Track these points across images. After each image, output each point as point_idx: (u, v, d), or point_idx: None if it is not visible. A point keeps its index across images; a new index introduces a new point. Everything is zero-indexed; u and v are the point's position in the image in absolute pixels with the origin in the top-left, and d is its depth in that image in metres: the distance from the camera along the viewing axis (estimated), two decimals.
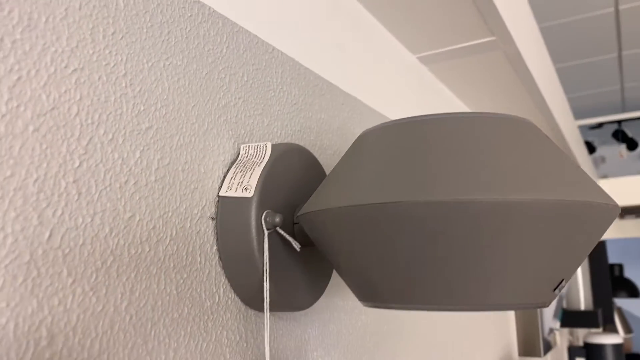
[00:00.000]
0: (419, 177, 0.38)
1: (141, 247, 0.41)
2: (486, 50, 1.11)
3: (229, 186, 0.49)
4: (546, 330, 1.64)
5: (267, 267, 0.47)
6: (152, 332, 0.41)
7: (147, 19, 0.44)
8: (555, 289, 0.40)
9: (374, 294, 0.42)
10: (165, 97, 0.45)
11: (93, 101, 0.38)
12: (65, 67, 0.37)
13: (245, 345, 0.50)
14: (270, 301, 0.50)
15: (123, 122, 0.41)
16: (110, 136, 0.39)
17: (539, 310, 1.56)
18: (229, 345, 0.48)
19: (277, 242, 0.50)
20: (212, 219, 0.48)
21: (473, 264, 0.38)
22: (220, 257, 0.49)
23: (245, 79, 0.55)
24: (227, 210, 0.48)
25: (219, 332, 0.47)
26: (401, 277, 0.40)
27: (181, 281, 0.44)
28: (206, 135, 0.49)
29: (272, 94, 0.59)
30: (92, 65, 0.39)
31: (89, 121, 0.38)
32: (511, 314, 1.60)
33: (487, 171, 0.38)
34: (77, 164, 0.37)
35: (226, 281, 0.49)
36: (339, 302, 0.67)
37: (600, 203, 0.40)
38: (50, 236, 0.34)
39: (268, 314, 0.47)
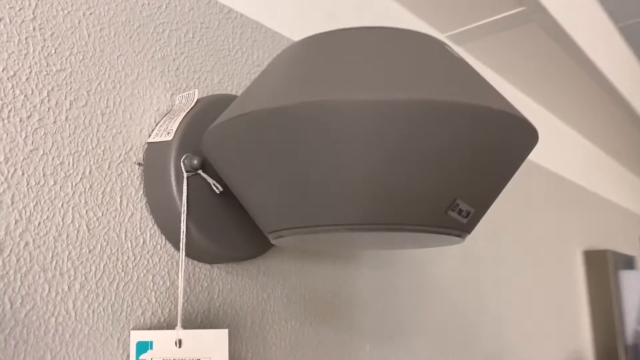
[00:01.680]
0: (304, 83, 0.36)
1: (44, 179, 0.43)
2: (519, 23, 1.04)
3: (156, 133, 0.50)
4: (629, 332, 1.47)
5: (184, 208, 0.47)
6: (54, 262, 0.42)
7: None
8: (448, 211, 0.36)
9: (269, 218, 0.40)
10: (83, 44, 0.47)
11: None
12: None
13: (173, 290, 0.50)
14: (201, 250, 0.49)
15: (28, 62, 0.43)
16: (11, 73, 0.42)
17: (617, 309, 1.41)
18: (155, 290, 0.48)
19: (205, 188, 0.49)
20: (139, 164, 0.49)
21: (351, 171, 0.35)
22: (147, 203, 0.49)
23: (191, 36, 0.56)
24: (152, 156, 0.49)
25: (142, 274, 0.48)
26: (288, 193, 0.38)
27: (94, 219, 0.45)
28: (135, 84, 0.50)
29: (227, 52, 0.59)
30: None
31: None
32: (583, 315, 1.45)
33: (374, 75, 0.35)
34: None
35: (155, 227, 0.50)
36: (314, 267, 0.65)
37: (501, 111, 0.35)
38: None
39: (183, 255, 0.46)
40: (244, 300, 0.56)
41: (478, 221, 0.41)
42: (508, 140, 0.37)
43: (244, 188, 0.41)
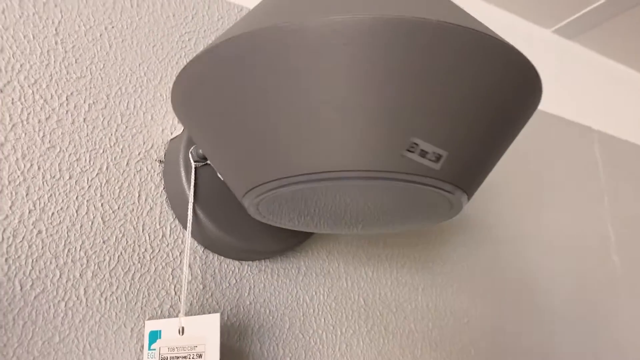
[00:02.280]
0: (280, 11, 0.34)
1: (60, 174, 0.46)
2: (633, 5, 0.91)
3: (177, 130, 0.51)
4: None
5: (191, 196, 0.47)
6: (66, 250, 0.44)
7: None
8: (407, 151, 0.31)
9: (241, 177, 0.38)
10: (105, 53, 0.51)
11: (16, 53, 0.46)
12: None
13: (201, 287, 0.50)
14: (214, 239, 0.49)
15: (49, 71, 0.48)
16: (32, 81, 0.47)
17: None
18: (175, 282, 0.49)
19: (218, 180, 0.49)
20: (160, 161, 0.51)
21: (297, 103, 0.32)
22: (167, 198, 0.50)
23: None
24: (170, 152, 0.50)
25: (160, 267, 0.48)
26: (260, 140, 0.35)
27: (110, 211, 0.47)
28: (157, 88, 0.53)
29: None
30: (18, 26, 0.47)
31: (9, 68, 0.46)
32: None
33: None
34: None
35: (177, 222, 0.50)
36: (373, 272, 0.60)
37: (471, 30, 0.30)
38: None
39: (189, 240, 0.46)
40: (280, 300, 0.53)
41: (473, 173, 0.35)
42: (490, 74, 0.31)
43: (213, 143, 0.37)
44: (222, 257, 0.51)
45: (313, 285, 0.56)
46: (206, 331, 0.42)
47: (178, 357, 0.42)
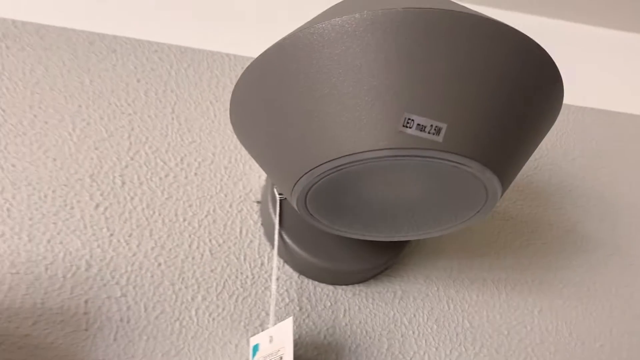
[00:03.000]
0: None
1: (175, 218, 0.56)
2: None
3: None
4: None
5: (277, 222, 0.53)
6: (180, 279, 0.53)
7: (195, 78, 0.64)
8: (403, 126, 0.34)
9: (284, 173, 0.42)
10: (210, 122, 0.62)
11: (142, 129, 0.60)
12: (122, 112, 0.60)
13: (298, 309, 0.55)
14: (300, 261, 0.54)
15: (167, 140, 0.60)
16: (154, 149, 0.59)
17: None
18: (274, 305, 0.54)
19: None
20: (257, 202, 0.59)
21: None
22: (264, 232, 0.57)
23: None
24: (263, 193, 0.58)
25: (260, 291, 0.55)
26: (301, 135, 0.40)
27: (217, 246, 0.56)
28: None
29: None
30: (143, 110, 0.61)
31: (137, 141, 0.59)
32: None
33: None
34: (124, 165, 0.57)
35: (274, 252, 0.57)
36: (478, 295, 0.60)
37: (489, 20, 0.34)
38: (97, 206, 0.55)
39: (275, 259, 0.52)
40: (376, 322, 0.56)
41: (493, 150, 0.36)
42: (498, 55, 0.34)
43: (263, 144, 0.42)
44: (317, 282, 0.56)
45: (411, 308, 0.57)
46: (285, 335, 0.46)
47: None
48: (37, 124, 0.57)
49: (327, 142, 0.36)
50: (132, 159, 0.58)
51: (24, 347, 0.47)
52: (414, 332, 0.56)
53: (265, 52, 0.38)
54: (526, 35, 0.36)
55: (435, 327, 0.57)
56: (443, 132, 0.34)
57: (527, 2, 0.84)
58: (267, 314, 0.54)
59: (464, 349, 0.56)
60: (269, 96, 0.39)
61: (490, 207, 0.40)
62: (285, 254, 0.55)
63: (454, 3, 0.38)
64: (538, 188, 0.69)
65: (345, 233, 0.47)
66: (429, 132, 0.34)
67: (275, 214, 0.54)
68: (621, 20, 0.87)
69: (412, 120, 0.34)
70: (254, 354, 0.50)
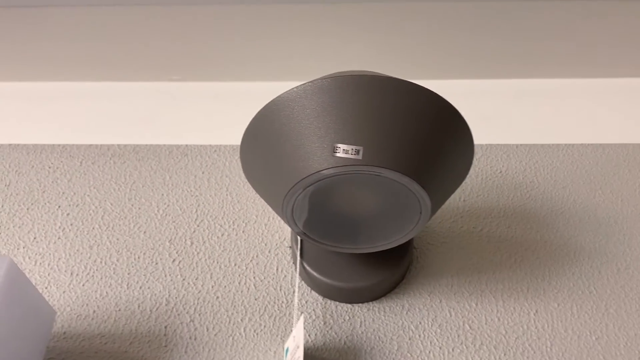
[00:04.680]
0: None
1: (229, 263, 0.75)
2: None
3: None
4: None
5: (298, 257, 0.71)
6: (233, 306, 0.71)
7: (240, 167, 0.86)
8: (333, 152, 0.52)
9: (277, 191, 0.61)
10: (253, 194, 0.83)
11: (205, 205, 0.81)
12: (191, 195, 0.83)
13: (322, 324, 0.70)
14: (319, 283, 0.70)
15: (223, 210, 0.81)
16: (214, 217, 0.80)
17: None
18: (304, 322, 0.70)
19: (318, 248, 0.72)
20: (289, 247, 0.77)
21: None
22: (295, 269, 0.75)
23: None
24: (291, 237, 0.76)
25: (292, 312, 0.71)
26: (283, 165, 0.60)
27: (259, 281, 0.74)
28: None
29: None
30: (206, 192, 0.83)
31: (202, 213, 0.80)
32: None
33: None
34: (192, 230, 0.78)
35: (303, 283, 0.73)
36: (477, 304, 0.71)
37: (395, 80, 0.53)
38: (173, 260, 0.75)
39: (297, 280, 0.68)
40: (387, 329, 0.69)
41: (398, 156, 0.52)
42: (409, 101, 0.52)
43: (260, 176, 0.61)
44: (337, 302, 0.71)
45: (417, 317, 0.70)
46: (299, 332, 0.61)
47: (293, 357, 0.62)
48: (133, 210, 0.81)
49: (296, 169, 0.55)
50: (198, 225, 0.79)
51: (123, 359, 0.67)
52: (420, 336, 0.68)
53: (255, 116, 0.58)
54: (422, 87, 0.53)
55: (439, 330, 0.69)
56: (361, 152, 0.52)
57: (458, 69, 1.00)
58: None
59: (465, 347, 0.67)
60: (260, 147, 0.59)
61: (427, 213, 0.55)
62: (310, 282, 0.71)
63: (380, 74, 0.56)
64: (531, 213, 0.80)
65: (328, 246, 0.63)
66: (351, 153, 0.52)
67: (297, 248, 0.71)
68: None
69: (339, 147, 0.52)
70: (286, 355, 0.65)
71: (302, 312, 0.69)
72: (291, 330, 0.69)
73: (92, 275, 0.74)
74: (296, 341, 0.62)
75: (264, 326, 0.69)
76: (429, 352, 0.67)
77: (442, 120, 0.55)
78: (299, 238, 0.72)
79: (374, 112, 0.53)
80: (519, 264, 0.75)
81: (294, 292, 0.72)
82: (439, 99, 0.54)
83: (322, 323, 0.69)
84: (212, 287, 0.73)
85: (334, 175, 0.52)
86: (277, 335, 0.68)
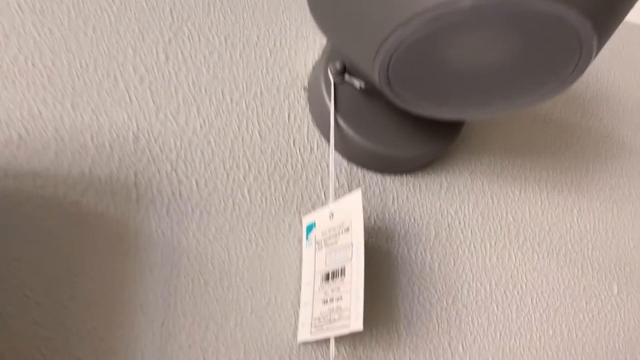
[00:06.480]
0: None
1: (222, 97, 0.54)
2: None
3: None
4: None
5: (332, 105, 0.51)
6: (231, 158, 0.51)
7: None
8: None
9: (370, 34, 0.42)
10: (254, 3, 0.59)
11: (184, 6, 0.56)
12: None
13: (346, 193, 0.54)
14: (355, 146, 0.52)
15: (210, 18, 0.56)
16: (197, 26, 0.56)
17: None
18: (324, 189, 0.53)
19: (356, 95, 0.53)
20: (304, 89, 0.57)
21: None
22: (312, 119, 0.56)
23: None
24: (312, 77, 0.56)
25: (311, 175, 0.53)
26: None
27: (265, 129, 0.54)
28: (299, 28, 0.59)
29: None
30: None
31: (179, 17, 0.55)
32: None
33: None
34: (167, 40, 0.54)
35: (323, 139, 0.55)
36: (521, 193, 0.60)
37: None
38: (141, 79, 0.52)
39: (333, 144, 0.50)
40: (424, 211, 0.55)
41: None
42: None
43: (339, 15, 0.41)
44: (365, 170, 0.55)
45: (457, 200, 0.57)
46: (351, 208, 0.45)
47: (330, 238, 0.46)
48: None
49: None
50: (175, 34, 0.54)
51: (74, 215, 0.45)
52: (460, 223, 0.56)
53: None
54: None
55: (480, 219, 0.57)
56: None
57: None
58: (319, 198, 0.52)
59: (507, 242, 0.57)
60: None
61: (587, 60, 0.39)
62: (336, 138, 0.54)
63: None
64: (575, 94, 0.68)
65: (423, 109, 0.45)
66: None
67: (330, 98, 0.52)
68: None
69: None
70: (308, 232, 0.49)
71: (338, 192, 0.52)
72: (317, 203, 0.52)
73: (14, 82, 0.48)
74: (340, 218, 0.46)
75: (275, 190, 0.51)
76: (470, 243, 0.55)
77: None
78: (332, 82, 0.52)
79: None
80: (563, 151, 0.64)
81: (320, 157, 0.54)
82: None
83: (347, 192, 0.53)
84: (201, 126, 0.52)
85: (469, 9, 0.34)
86: (291, 204, 0.51)
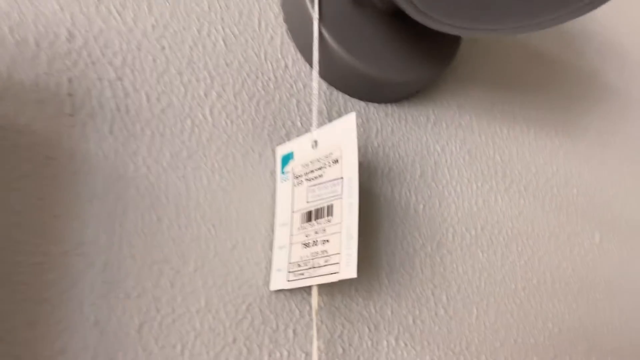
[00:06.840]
0: None
1: None
2: None
3: None
4: None
5: (316, 21, 0.43)
6: (189, 69, 0.42)
7: None
8: None
9: None
10: None
11: None
12: None
13: (327, 121, 0.46)
14: (341, 64, 0.45)
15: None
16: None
17: None
18: (300, 115, 0.45)
19: (344, 6, 0.45)
20: None
21: None
22: (287, 29, 0.47)
23: None
24: None
25: (285, 97, 0.45)
26: None
27: (231, 35, 0.44)
28: None
29: None
30: None
31: None
32: None
33: None
34: None
35: (299, 55, 0.47)
36: (509, 132, 0.54)
37: None
38: None
39: (317, 77, 0.42)
40: (409, 146, 0.49)
41: None
42: None
43: None
44: (347, 96, 0.47)
45: (444, 135, 0.51)
46: (341, 135, 0.38)
47: (312, 171, 0.39)
48: None
49: None
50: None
51: None
52: (446, 161, 0.50)
53: None
54: None
55: (467, 157, 0.51)
56: None
57: None
58: (294, 125, 0.44)
59: (494, 184, 0.52)
60: None
61: None
62: (309, 55, 0.46)
63: None
64: (562, 28, 0.63)
65: (445, 24, 0.37)
66: None
67: (312, 3, 0.43)
68: None
69: None
70: (284, 164, 0.41)
71: (336, 113, 0.44)
72: (292, 130, 0.44)
73: None
74: (326, 148, 0.38)
75: (242, 111, 0.43)
76: (456, 183, 0.50)
77: None
78: None
79: None
80: (551, 89, 0.59)
81: (296, 76, 0.46)
82: None
83: (327, 121, 0.46)
84: (153, 28, 0.42)
85: None
86: (262, 129, 0.43)
